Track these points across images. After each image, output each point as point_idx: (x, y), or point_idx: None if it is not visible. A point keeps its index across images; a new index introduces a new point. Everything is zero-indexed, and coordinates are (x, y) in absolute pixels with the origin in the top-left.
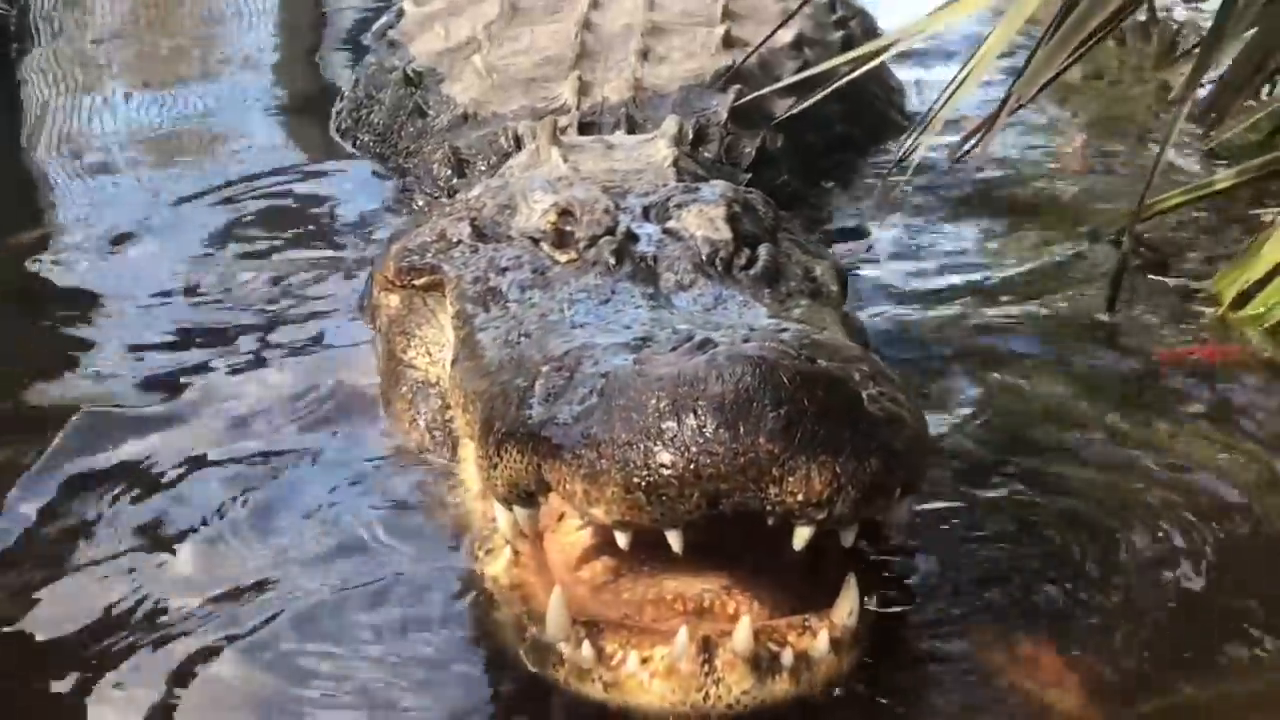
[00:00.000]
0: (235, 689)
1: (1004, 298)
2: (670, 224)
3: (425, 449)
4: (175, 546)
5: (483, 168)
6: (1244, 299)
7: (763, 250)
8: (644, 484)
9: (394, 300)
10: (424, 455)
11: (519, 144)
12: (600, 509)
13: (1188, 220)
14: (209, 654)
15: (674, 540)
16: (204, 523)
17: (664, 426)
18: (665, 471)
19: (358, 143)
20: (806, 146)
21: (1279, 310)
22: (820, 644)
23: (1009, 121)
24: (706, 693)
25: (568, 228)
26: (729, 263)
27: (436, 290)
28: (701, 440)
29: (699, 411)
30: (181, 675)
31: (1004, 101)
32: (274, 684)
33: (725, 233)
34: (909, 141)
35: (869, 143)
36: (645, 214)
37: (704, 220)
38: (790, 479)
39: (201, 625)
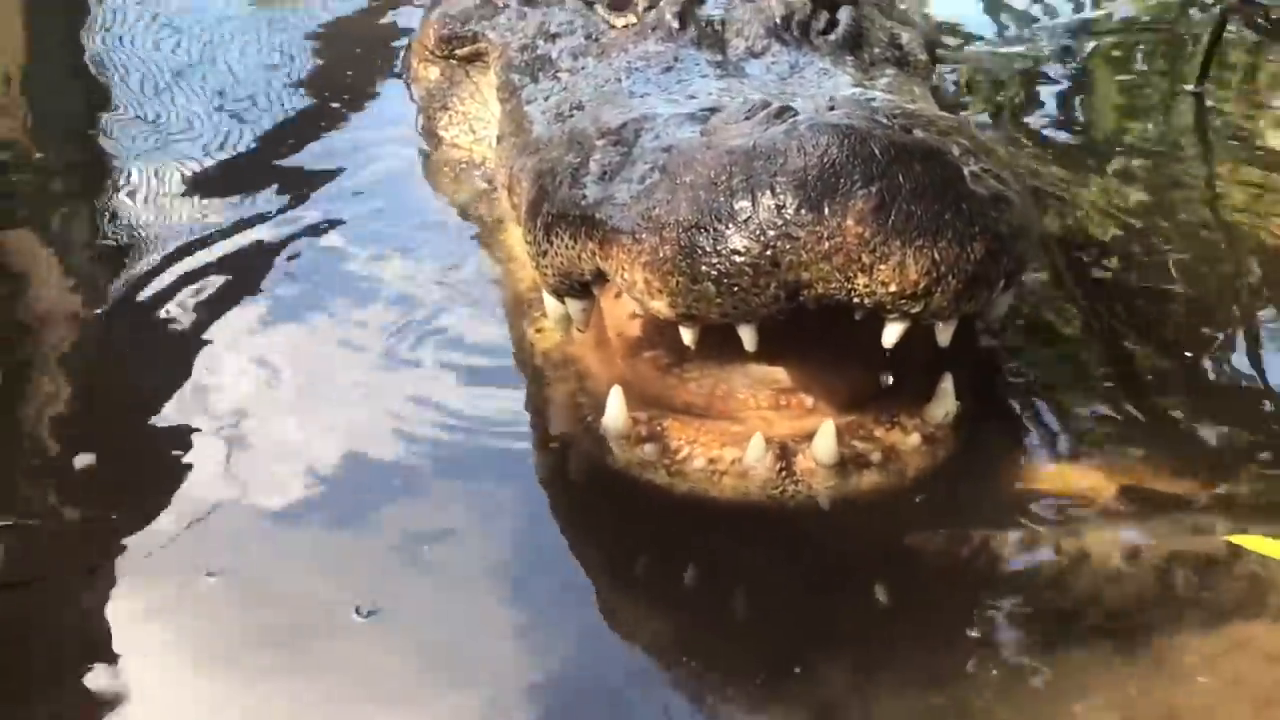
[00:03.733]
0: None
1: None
2: None
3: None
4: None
5: None
6: None
7: (844, 14)
8: (714, 273)
9: (434, 72)
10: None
11: None
12: (663, 302)
13: None
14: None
15: (747, 337)
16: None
17: (737, 206)
18: (738, 259)
19: None
20: None
21: None
22: (912, 439)
23: None
24: (783, 489)
25: None
26: (806, 26)
27: (480, 60)
28: (780, 222)
29: (777, 189)
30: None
31: None
32: (322, 463)
33: None
34: None
35: None
36: None
37: None
38: (882, 267)
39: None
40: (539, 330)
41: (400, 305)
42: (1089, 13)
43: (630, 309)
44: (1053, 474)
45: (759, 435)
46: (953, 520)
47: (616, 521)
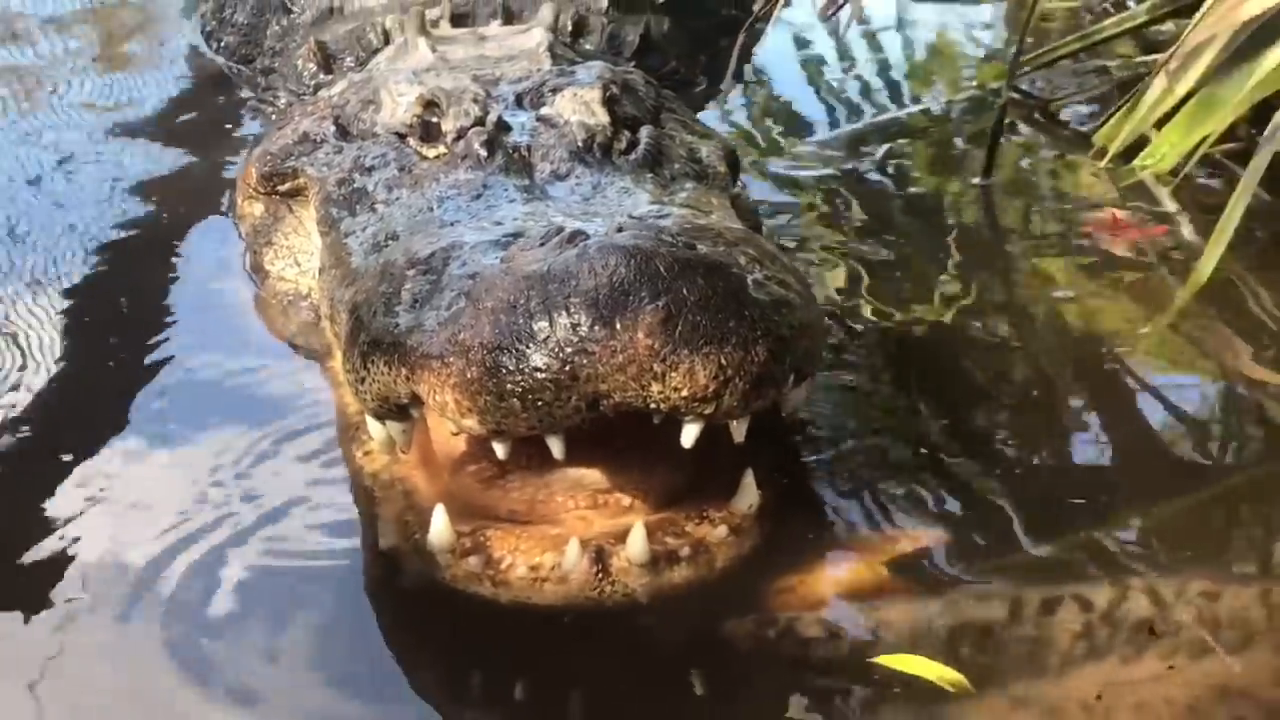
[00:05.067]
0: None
1: (882, 157)
2: (544, 110)
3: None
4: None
5: (350, 63)
6: (1131, 151)
7: (644, 133)
8: (518, 390)
9: (258, 209)
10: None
11: (387, 38)
12: (474, 420)
13: (1081, 73)
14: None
15: (555, 446)
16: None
17: (535, 327)
18: (539, 375)
19: (222, 45)
20: (693, 31)
21: (1169, 159)
22: (719, 531)
23: None
24: (601, 590)
25: (434, 120)
26: (608, 148)
27: (301, 195)
28: (576, 339)
29: (571, 308)
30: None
31: None
32: (148, 593)
33: (602, 116)
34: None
35: None
36: (518, 101)
37: (579, 104)
38: (673, 375)
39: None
40: (366, 452)
41: (228, 432)
42: (896, 111)
43: (450, 427)
44: (821, 578)
45: (574, 541)
46: (760, 605)
47: (449, 636)
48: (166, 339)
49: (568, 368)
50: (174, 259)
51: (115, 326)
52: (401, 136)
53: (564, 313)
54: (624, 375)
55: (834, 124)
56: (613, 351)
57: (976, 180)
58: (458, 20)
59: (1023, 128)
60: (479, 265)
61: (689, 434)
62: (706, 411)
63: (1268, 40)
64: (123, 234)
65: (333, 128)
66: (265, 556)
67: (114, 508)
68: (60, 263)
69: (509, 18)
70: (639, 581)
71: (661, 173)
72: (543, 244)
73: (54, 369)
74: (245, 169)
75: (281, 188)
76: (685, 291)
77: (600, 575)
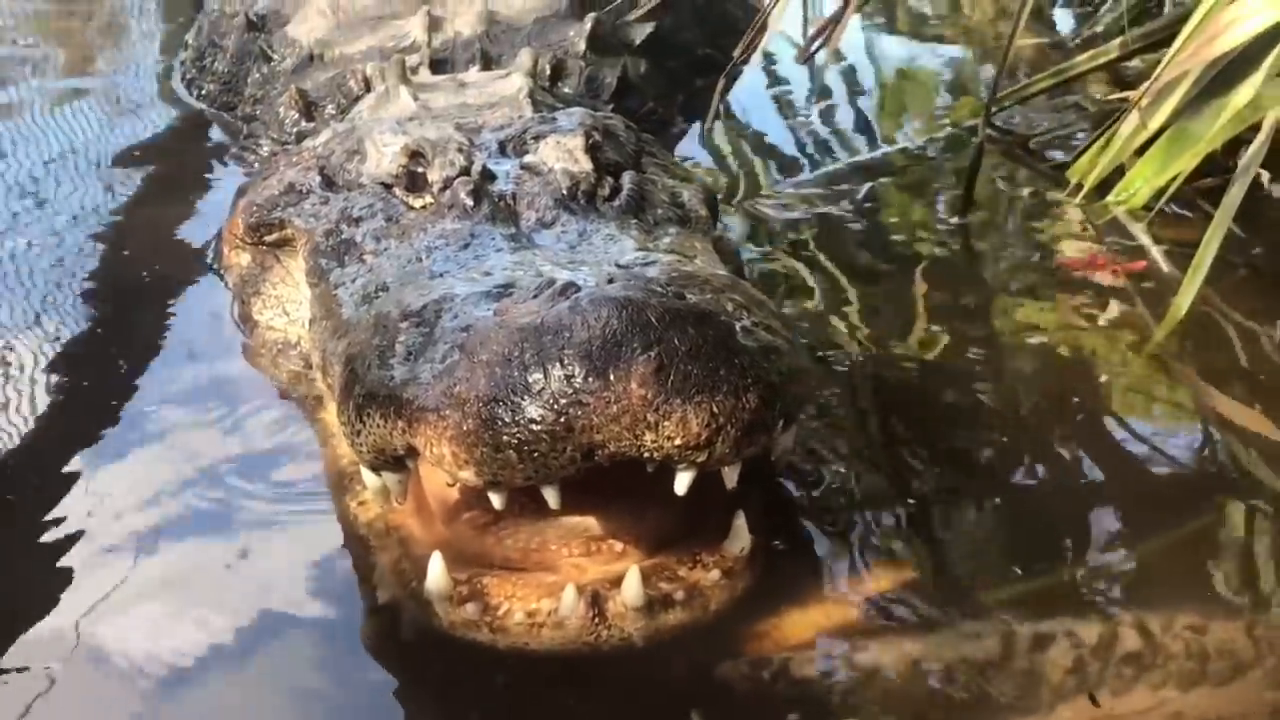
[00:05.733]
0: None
1: (861, 196)
2: (528, 158)
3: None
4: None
5: (331, 111)
6: (1105, 186)
7: (626, 179)
8: (514, 441)
9: (245, 259)
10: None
11: (368, 86)
12: (470, 471)
13: (1059, 109)
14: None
15: (551, 497)
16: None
17: (530, 379)
18: (535, 427)
19: (203, 92)
20: (670, 72)
21: (1143, 194)
22: (712, 575)
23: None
24: (598, 635)
25: (420, 170)
26: (591, 195)
27: (289, 245)
28: (570, 390)
29: (565, 360)
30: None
31: None
32: (140, 647)
33: (585, 164)
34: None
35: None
36: (501, 149)
37: (562, 152)
38: (666, 424)
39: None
40: (361, 502)
41: (216, 483)
42: (874, 150)
43: (445, 477)
44: (797, 620)
45: (571, 586)
46: (754, 645)
47: (448, 682)
48: (153, 388)
49: (563, 419)
50: (159, 309)
51: (99, 377)
52: (387, 187)
53: (558, 365)
54: (618, 425)
55: (812, 164)
56: (607, 402)
57: (955, 218)
58: (437, 67)
59: (1000, 164)
60: (471, 317)
61: (682, 482)
62: (699, 459)
63: (1239, 76)
64: (106, 284)
65: (318, 178)
66: (256, 607)
67: (98, 560)
68: (42, 313)
69: (487, 63)
70: (635, 626)
71: (645, 218)
72: (535, 296)
73: (35, 422)
74: (231, 219)
75: (268, 238)
76: (677, 341)
77: (596, 620)
